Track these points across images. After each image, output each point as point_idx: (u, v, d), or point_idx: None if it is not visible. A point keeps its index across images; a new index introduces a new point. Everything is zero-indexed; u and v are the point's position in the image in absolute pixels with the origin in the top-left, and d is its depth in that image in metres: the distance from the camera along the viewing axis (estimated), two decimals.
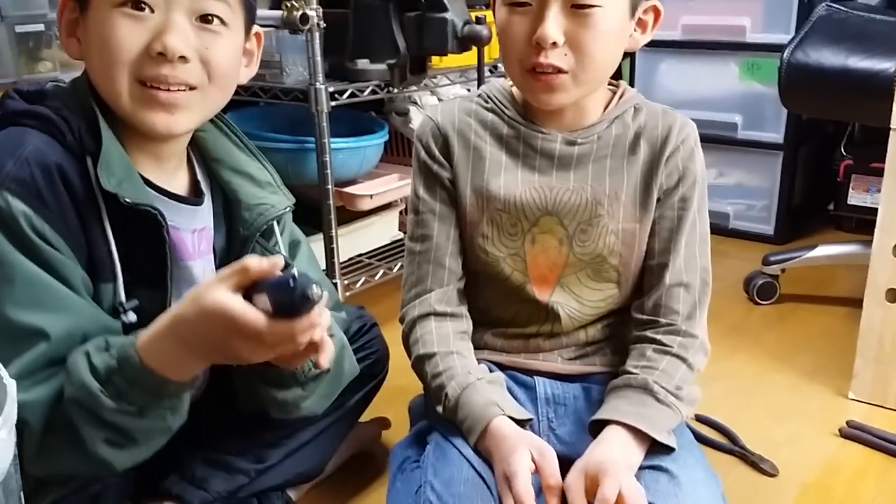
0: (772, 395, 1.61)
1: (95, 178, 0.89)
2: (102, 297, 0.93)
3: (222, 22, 0.93)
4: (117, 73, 0.90)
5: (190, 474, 1.10)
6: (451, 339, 1.08)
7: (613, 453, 0.95)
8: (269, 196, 1.07)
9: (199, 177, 1.06)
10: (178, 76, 0.91)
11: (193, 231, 1.02)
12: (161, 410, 0.86)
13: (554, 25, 0.96)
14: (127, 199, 0.89)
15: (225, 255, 1.07)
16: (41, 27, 2.22)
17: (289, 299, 0.77)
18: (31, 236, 0.85)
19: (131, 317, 0.94)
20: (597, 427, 1.00)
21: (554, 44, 0.97)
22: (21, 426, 0.73)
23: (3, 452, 0.64)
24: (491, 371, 1.10)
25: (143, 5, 0.89)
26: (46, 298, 0.85)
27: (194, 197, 1.04)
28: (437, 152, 1.11)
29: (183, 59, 0.90)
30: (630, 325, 1.14)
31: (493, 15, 1.07)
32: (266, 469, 1.15)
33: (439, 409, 1.04)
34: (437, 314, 1.10)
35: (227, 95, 0.99)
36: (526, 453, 0.93)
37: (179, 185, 1.03)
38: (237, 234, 1.06)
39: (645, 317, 1.09)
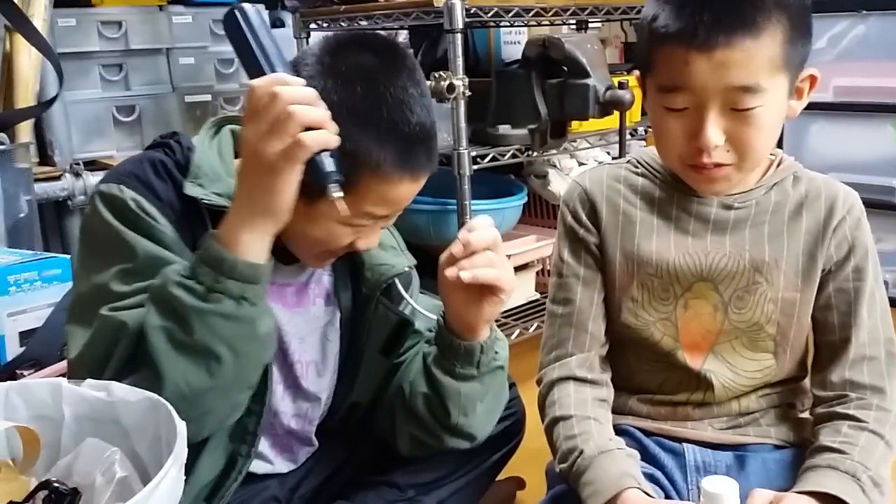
0: None
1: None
2: None
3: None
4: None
5: None
6: (588, 405, 1.06)
7: None
8: (391, 258, 1.13)
9: None
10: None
11: (289, 285, 1.08)
12: (225, 295, 0.86)
13: (715, 130, 0.94)
14: (205, 201, 0.96)
15: (350, 315, 1.14)
16: (208, 97, 2.42)
17: None
18: (144, 217, 0.93)
19: None
20: None
21: (716, 146, 0.95)
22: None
23: (173, 489, 0.70)
24: (634, 437, 1.08)
25: None
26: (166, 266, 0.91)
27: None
28: (583, 217, 1.11)
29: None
30: (789, 396, 1.10)
31: (644, 92, 1.06)
32: None
33: (563, 467, 1.02)
34: (577, 379, 1.08)
35: None
36: None
37: None
38: (361, 294, 1.13)
39: (831, 393, 1.04)
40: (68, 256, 1.90)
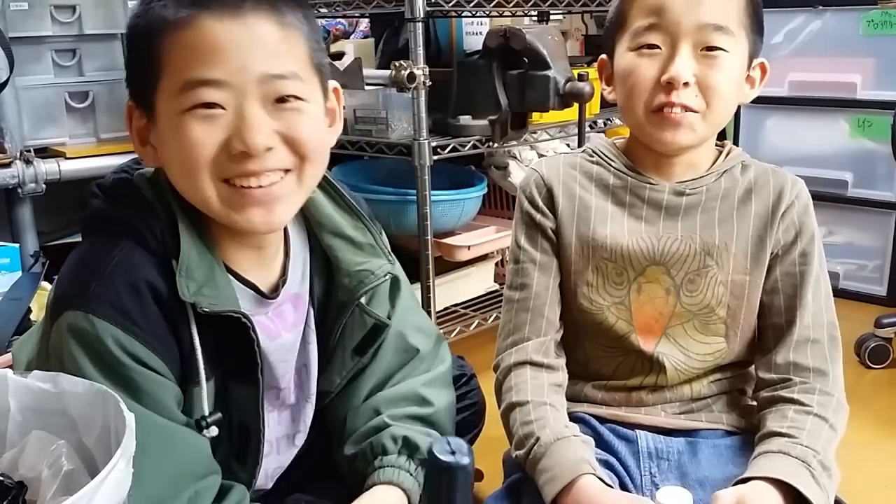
0: (884, 462, 1.53)
1: None
2: (194, 401, 0.92)
3: (299, 98, 0.88)
4: (201, 178, 0.86)
5: None
6: (545, 391, 1.08)
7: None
8: (370, 261, 1.05)
9: (295, 247, 1.04)
10: (268, 165, 0.86)
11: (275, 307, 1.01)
12: None
13: (685, 66, 0.99)
14: (205, 308, 0.87)
15: (321, 316, 1.07)
16: None
17: None
18: (120, 358, 0.83)
19: (213, 431, 0.92)
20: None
21: (685, 84, 1.00)
22: None
23: (122, 482, 0.68)
24: (589, 424, 1.09)
25: (212, 104, 0.84)
26: (139, 431, 0.83)
27: (282, 276, 1.02)
28: (540, 202, 1.13)
29: (269, 149, 0.86)
30: (739, 382, 1.12)
31: (602, 74, 1.11)
32: None
33: (519, 453, 1.03)
34: (533, 363, 1.10)
35: (323, 166, 0.95)
36: None
37: (277, 267, 1.02)
38: (335, 298, 1.06)
39: (776, 376, 1.06)
40: (17, 245, 1.86)
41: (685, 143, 1.05)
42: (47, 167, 2.07)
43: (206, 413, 0.92)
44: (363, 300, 1.06)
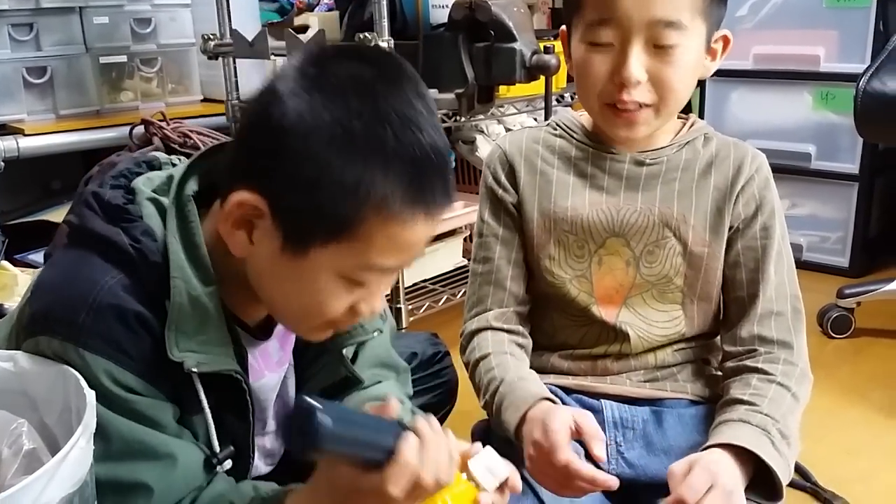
0: (846, 430, 1.56)
1: None
2: (197, 428, 0.89)
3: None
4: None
5: None
6: (505, 344, 1.11)
7: (727, 464, 0.94)
8: None
9: None
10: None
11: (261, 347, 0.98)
12: None
13: (637, 65, 0.98)
14: (194, 370, 0.83)
15: (300, 353, 1.03)
16: (124, 58, 2.33)
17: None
18: (114, 391, 0.80)
19: (226, 465, 0.90)
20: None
21: (637, 82, 0.98)
22: None
23: (82, 460, 0.67)
24: (555, 395, 1.10)
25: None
26: (143, 450, 0.82)
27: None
28: (503, 178, 1.14)
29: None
30: (703, 351, 1.14)
31: (565, 48, 1.10)
32: None
33: (486, 399, 1.06)
34: (493, 328, 1.13)
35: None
36: (566, 412, 0.95)
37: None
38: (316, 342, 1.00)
39: (740, 348, 1.08)
40: None
41: (639, 137, 1.06)
42: (5, 144, 2.02)
43: (217, 448, 0.90)
44: (345, 351, 1.01)
